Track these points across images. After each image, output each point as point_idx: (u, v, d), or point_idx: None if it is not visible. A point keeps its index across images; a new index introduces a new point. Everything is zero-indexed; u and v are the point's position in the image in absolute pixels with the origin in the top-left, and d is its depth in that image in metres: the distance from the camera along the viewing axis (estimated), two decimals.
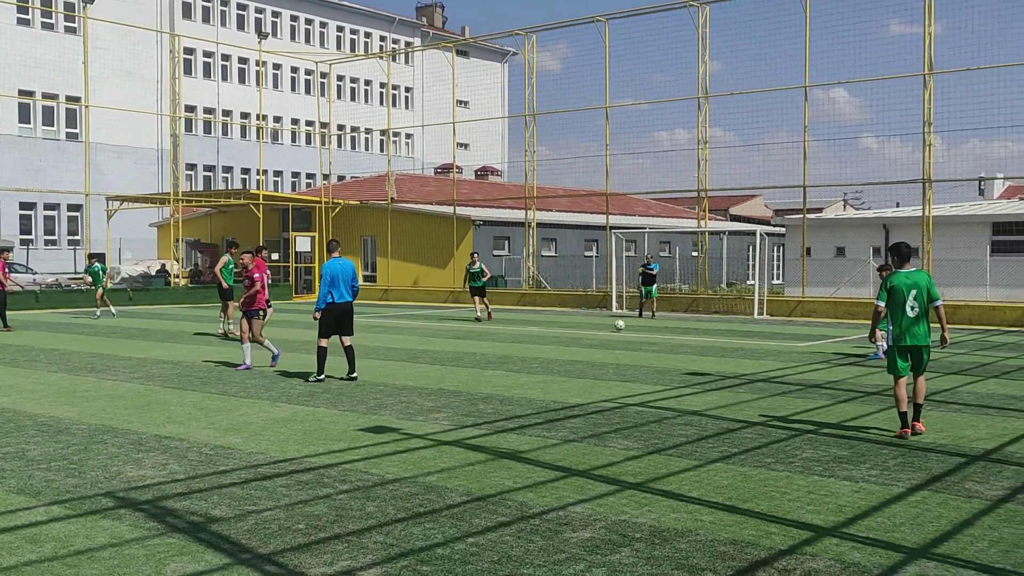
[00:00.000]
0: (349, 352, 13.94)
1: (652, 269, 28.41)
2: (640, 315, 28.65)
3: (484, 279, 26.95)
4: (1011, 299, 28.79)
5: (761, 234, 31.13)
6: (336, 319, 13.78)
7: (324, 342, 13.83)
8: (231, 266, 20.71)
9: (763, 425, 10.23)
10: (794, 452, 8.80)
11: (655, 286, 28.67)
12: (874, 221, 36.75)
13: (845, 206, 61.79)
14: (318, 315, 13.60)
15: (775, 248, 46.07)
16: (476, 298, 26.95)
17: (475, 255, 27.67)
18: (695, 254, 38.35)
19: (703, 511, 6.80)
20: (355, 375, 13.83)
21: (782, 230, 41.01)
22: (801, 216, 31.70)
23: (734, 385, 13.45)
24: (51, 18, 52.49)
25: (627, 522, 6.50)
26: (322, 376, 13.72)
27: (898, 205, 39.12)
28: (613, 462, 8.39)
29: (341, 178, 59.31)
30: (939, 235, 29.77)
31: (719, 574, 5.48)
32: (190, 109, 58.22)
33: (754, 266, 34.10)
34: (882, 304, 9.55)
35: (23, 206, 51.30)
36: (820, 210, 52.00)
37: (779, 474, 7.93)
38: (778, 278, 45.00)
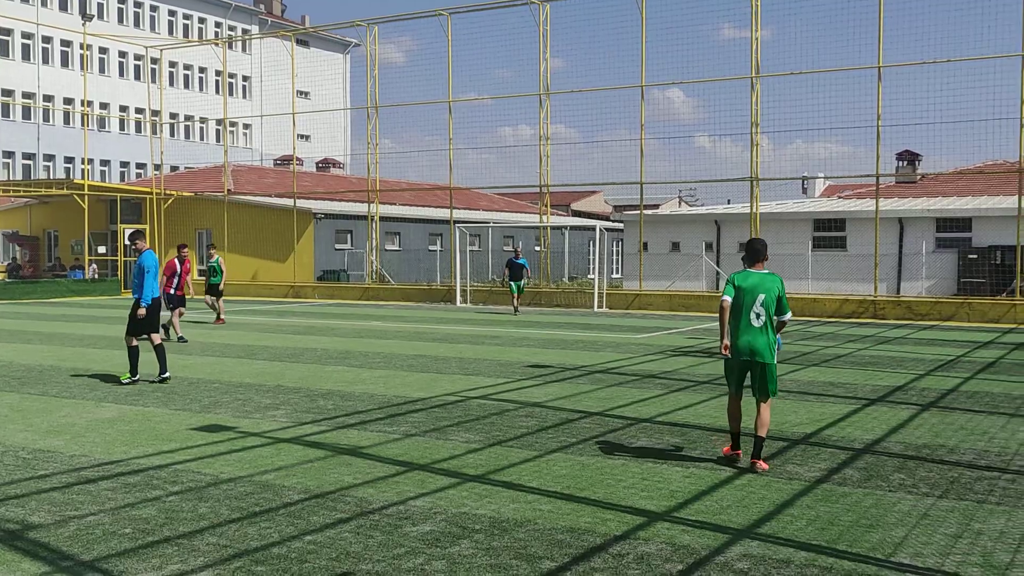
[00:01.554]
0: (160, 351, 13.04)
1: (520, 263, 28.01)
2: (516, 312, 27.88)
3: (220, 276, 23.38)
4: (830, 291, 30.61)
5: (601, 229, 31.94)
6: (153, 315, 12.92)
7: (135, 341, 12.90)
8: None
9: (601, 415, 10.48)
10: (630, 440, 9.06)
11: (523, 281, 28.13)
12: (707, 217, 38.27)
13: (680, 203, 64.07)
14: (143, 311, 12.67)
15: (614, 243, 47.36)
16: (211, 297, 23.51)
17: (212, 248, 24.40)
18: (538, 249, 38.90)
19: (542, 500, 6.90)
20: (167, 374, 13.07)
21: (621, 226, 42.16)
22: (638, 212, 32.69)
23: (574, 376, 13.73)
24: None
25: (467, 514, 6.53)
26: (136, 376, 12.91)
27: (729, 202, 40.83)
28: (454, 455, 8.41)
29: (175, 169, 57.03)
30: (766, 231, 31.30)
31: (556, 562, 5.58)
32: (7, 93, 54.73)
33: (594, 260, 34.89)
34: (728, 299, 8.07)
35: None
36: (657, 206, 53.77)
37: (615, 462, 8.14)
38: (617, 272, 46.28)
